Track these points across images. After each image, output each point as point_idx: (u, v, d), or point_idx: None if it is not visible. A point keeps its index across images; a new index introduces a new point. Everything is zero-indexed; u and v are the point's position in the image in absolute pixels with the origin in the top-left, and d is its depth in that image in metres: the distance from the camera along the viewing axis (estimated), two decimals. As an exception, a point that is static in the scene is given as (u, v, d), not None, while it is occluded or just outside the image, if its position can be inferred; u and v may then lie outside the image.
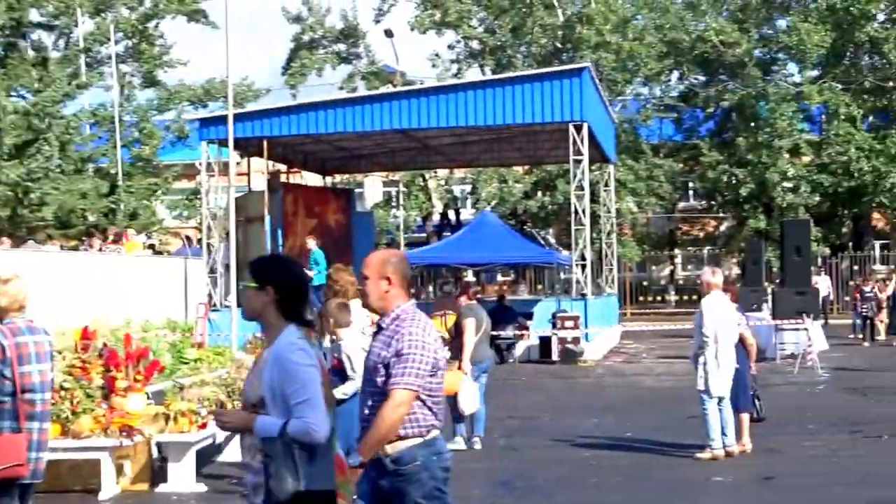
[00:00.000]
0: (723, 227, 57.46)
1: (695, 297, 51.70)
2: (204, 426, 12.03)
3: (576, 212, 30.95)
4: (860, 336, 33.73)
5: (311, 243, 30.05)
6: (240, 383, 13.65)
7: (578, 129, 30.18)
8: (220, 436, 12.65)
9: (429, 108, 30.78)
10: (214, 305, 30.61)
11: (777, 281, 32.94)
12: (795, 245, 27.76)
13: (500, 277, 56.92)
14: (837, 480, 11.92)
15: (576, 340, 28.28)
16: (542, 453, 14.22)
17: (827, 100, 47.79)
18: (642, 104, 52.50)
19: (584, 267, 30.71)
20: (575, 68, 31.55)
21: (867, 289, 33.03)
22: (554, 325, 28.78)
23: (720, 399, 13.21)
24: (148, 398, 12.69)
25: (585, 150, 30.33)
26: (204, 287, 31.00)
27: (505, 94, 30.31)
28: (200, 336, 28.79)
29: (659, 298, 54.08)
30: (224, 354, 27.65)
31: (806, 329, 24.85)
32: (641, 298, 51.49)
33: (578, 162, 30.57)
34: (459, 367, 14.19)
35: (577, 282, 30.76)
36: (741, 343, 13.65)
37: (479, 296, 30.53)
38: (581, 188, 30.92)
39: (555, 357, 28.16)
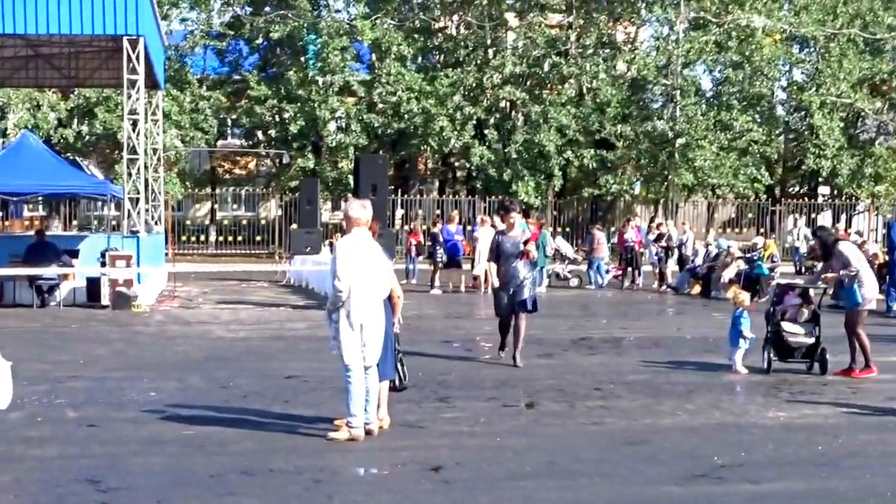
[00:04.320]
0: (263, 167, 55.24)
1: (239, 238, 49.41)
2: None
3: (129, 140, 27.52)
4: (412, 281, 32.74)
5: None
6: None
7: (134, 44, 26.73)
8: None
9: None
10: None
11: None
12: (372, 183, 25.80)
13: (26, 212, 52.06)
14: (516, 471, 9.57)
15: (128, 283, 25.06)
16: (130, 430, 11.19)
17: (379, 36, 46.37)
18: (189, 31, 49.07)
19: (136, 201, 27.47)
20: (129, -25, 27.71)
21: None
22: (103, 265, 25.42)
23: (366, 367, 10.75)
24: None
25: (141, 68, 27.00)
26: None
27: (49, -1, 26.26)
28: None
29: (200, 239, 51.05)
30: None
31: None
32: (183, 238, 48.32)
33: (133, 84, 27.11)
34: None
35: (129, 217, 27.44)
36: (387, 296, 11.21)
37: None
38: (134, 113, 27.48)
39: (105, 301, 24.88)
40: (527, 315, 16.11)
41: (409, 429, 11.39)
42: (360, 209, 10.97)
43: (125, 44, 26.63)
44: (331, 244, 33.34)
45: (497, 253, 16.11)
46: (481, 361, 16.60)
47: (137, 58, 26.74)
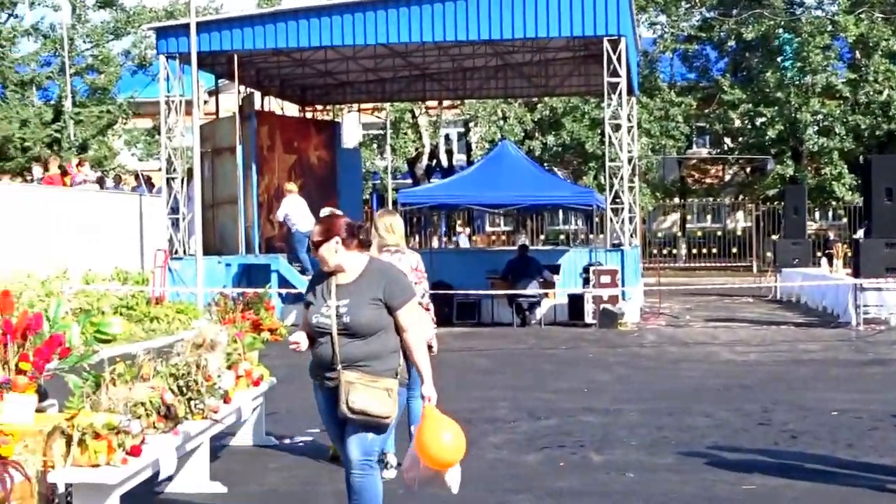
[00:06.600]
0: (727, 175, 52.32)
1: (713, 250, 46.94)
2: (135, 452, 6.87)
3: (611, 144, 25.83)
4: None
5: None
6: (197, 375, 8.49)
7: (615, 45, 24.94)
8: (168, 464, 7.43)
9: (431, 18, 25.09)
10: (176, 253, 25.66)
11: (863, 229, 27.79)
12: (886, 186, 22.72)
13: (487, 226, 51.75)
14: None
15: (613, 299, 23.26)
16: (674, 482, 8.92)
17: (865, 32, 42.64)
18: (658, 35, 47.19)
19: (618, 212, 25.71)
20: (609, -30, 25.75)
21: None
22: (586, 282, 23.75)
23: None
24: (43, 399, 7.61)
25: (623, 70, 25.15)
26: (164, 231, 25.96)
27: (526, 1, 24.85)
28: (159, 290, 24.19)
29: (670, 252, 48.94)
30: (187, 312, 22.71)
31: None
32: (654, 252, 46.40)
33: (614, 87, 25.32)
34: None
35: (611, 229, 25.76)
36: None
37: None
38: (616, 117, 25.75)
39: (588, 319, 23.17)
40: None
41: None
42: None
43: (606, 45, 24.92)
44: (829, 256, 30.40)
45: None
46: None
47: (619, 58, 24.98)
